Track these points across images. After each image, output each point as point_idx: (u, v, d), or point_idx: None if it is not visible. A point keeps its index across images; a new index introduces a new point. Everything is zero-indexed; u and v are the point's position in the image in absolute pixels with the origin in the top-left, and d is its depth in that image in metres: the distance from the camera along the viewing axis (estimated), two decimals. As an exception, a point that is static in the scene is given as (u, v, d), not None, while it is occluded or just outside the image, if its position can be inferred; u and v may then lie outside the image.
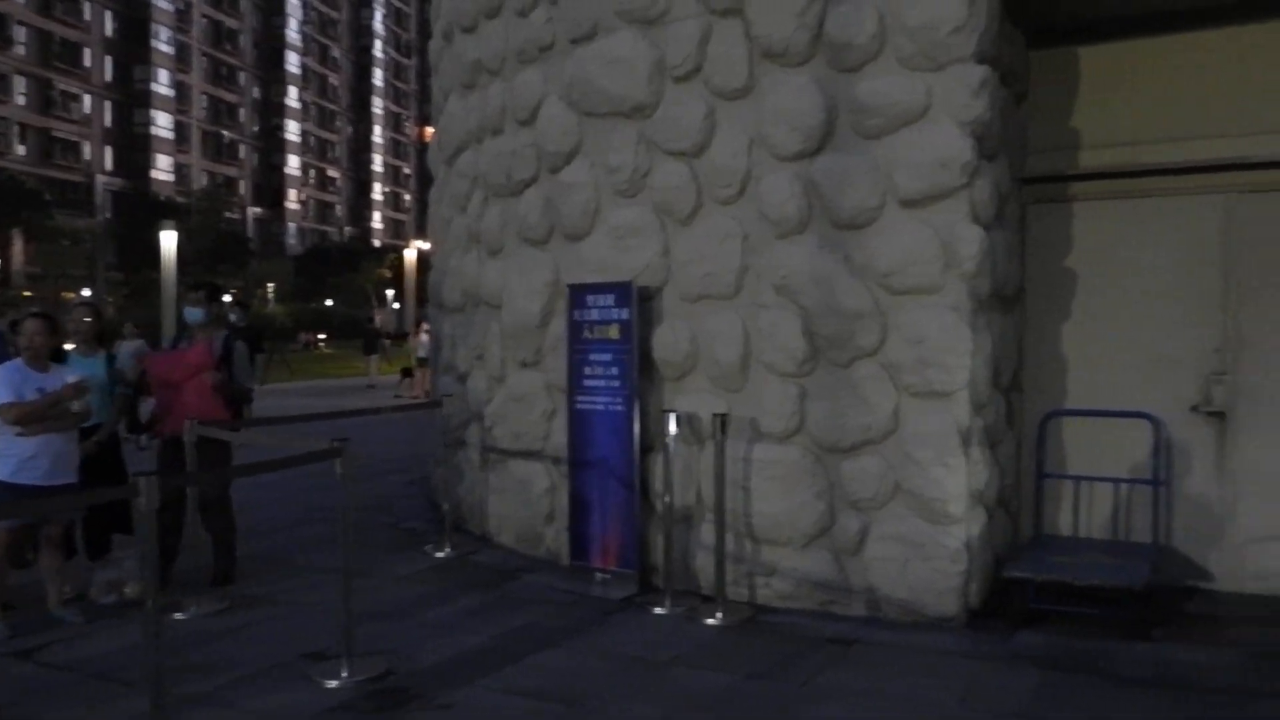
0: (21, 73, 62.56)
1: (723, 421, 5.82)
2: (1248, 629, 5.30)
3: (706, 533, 6.12)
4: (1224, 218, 5.97)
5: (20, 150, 62.70)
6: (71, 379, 5.94)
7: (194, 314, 6.92)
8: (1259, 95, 5.85)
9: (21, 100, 63.01)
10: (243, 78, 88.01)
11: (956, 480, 5.43)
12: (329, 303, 69.20)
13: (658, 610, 5.91)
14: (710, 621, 5.68)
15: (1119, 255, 6.25)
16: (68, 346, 6.79)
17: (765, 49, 5.89)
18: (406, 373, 23.78)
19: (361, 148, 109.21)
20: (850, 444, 5.70)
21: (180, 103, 77.48)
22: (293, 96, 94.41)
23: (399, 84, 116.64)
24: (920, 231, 5.49)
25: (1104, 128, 6.26)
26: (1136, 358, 6.18)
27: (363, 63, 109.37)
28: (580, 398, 6.57)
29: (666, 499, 6.14)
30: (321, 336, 56.66)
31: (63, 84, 66.33)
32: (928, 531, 5.48)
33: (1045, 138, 6.40)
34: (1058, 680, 4.70)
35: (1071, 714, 4.33)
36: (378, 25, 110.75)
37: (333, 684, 4.80)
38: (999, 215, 5.79)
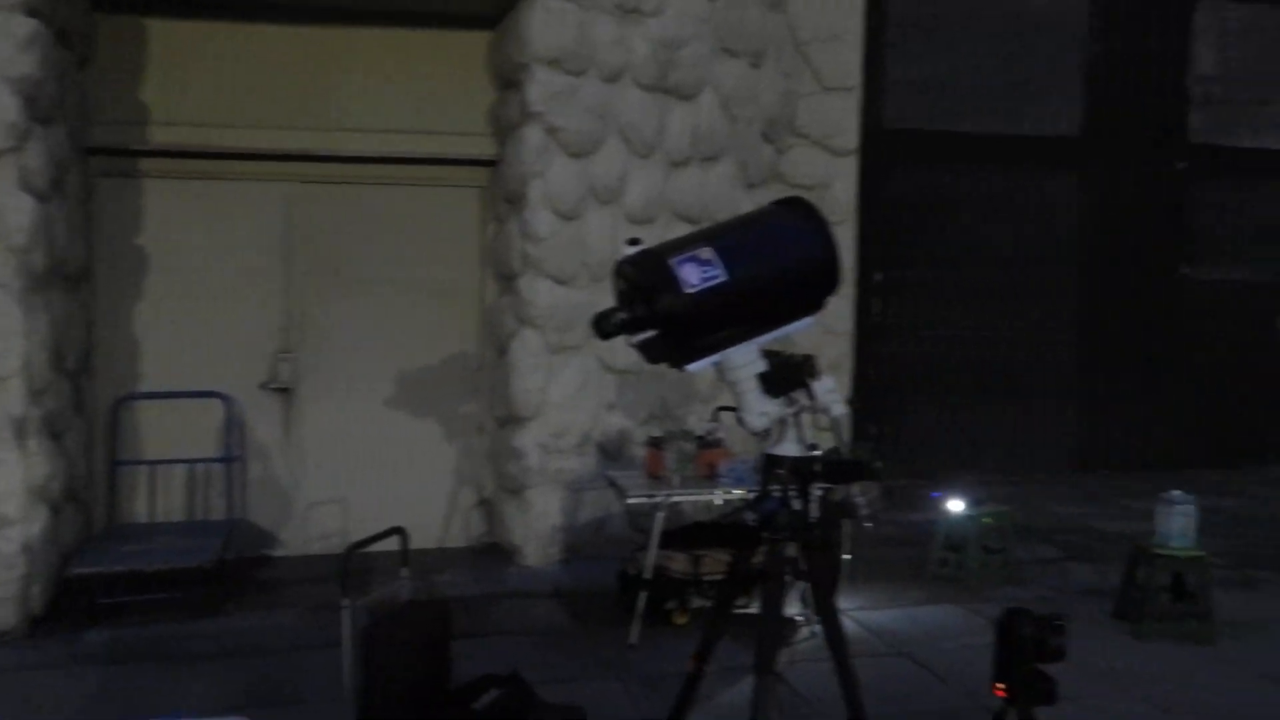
0: None
1: None
2: (307, 588, 5.71)
3: None
4: (286, 205, 6.37)
5: None
6: None
7: None
8: (316, 92, 6.31)
9: None
10: None
11: (11, 477, 4.88)
12: None
13: None
14: None
15: (193, 236, 6.26)
16: None
17: None
18: None
19: None
20: None
21: None
22: None
23: None
24: (-40, 197, 4.79)
25: (175, 105, 6.15)
26: (211, 338, 6.27)
27: None
28: None
29: None
30: None
31: None
32: (-22, 538, 4.85)
33: (114, 108, 6.06)
34: (123, 673, 4.54)
35: (133, 704, 4.19)
36: None
37: None
38: (57, 186, 5.34)
